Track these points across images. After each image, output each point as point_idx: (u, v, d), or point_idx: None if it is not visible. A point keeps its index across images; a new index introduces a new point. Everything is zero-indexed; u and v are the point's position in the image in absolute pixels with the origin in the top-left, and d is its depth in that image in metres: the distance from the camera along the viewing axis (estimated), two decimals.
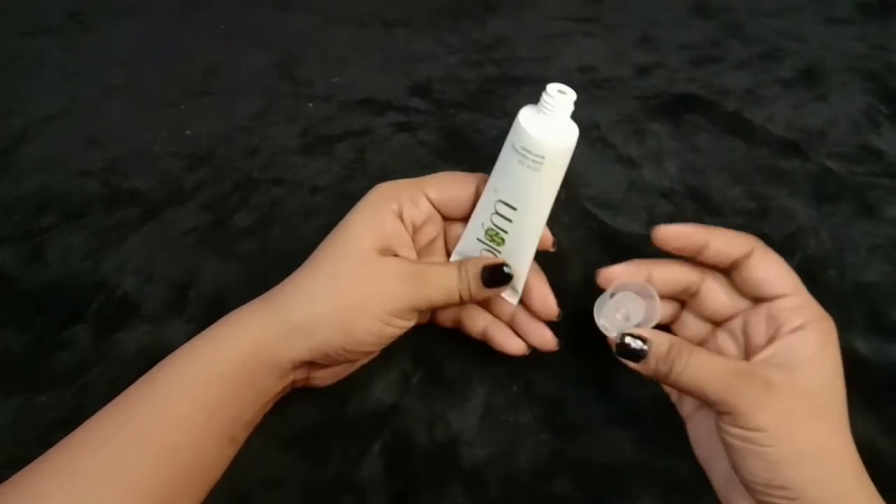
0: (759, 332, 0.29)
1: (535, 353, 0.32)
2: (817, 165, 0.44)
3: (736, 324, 0.30)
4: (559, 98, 0.27)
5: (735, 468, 0.26)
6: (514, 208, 0.29)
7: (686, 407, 0.31)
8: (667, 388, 0.32)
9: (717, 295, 0.30)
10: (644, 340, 0.27)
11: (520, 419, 0.33)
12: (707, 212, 0.42)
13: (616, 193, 0.43)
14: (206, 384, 0.27)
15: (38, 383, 0.34)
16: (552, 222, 0.30)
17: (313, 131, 0.50)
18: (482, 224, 0.31)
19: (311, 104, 0.52)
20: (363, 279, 0.29)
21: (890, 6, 0.61)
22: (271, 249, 0.41)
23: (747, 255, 0.29)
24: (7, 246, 0.42)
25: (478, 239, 0.31)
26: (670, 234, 0.30)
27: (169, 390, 0.27)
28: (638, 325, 0.29)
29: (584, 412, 0.33)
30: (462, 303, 0.30)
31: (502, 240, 0.30)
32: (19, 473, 0.25)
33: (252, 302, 0.30)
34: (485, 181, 0.31)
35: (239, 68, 0.56)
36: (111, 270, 0.40)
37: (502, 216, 0.30)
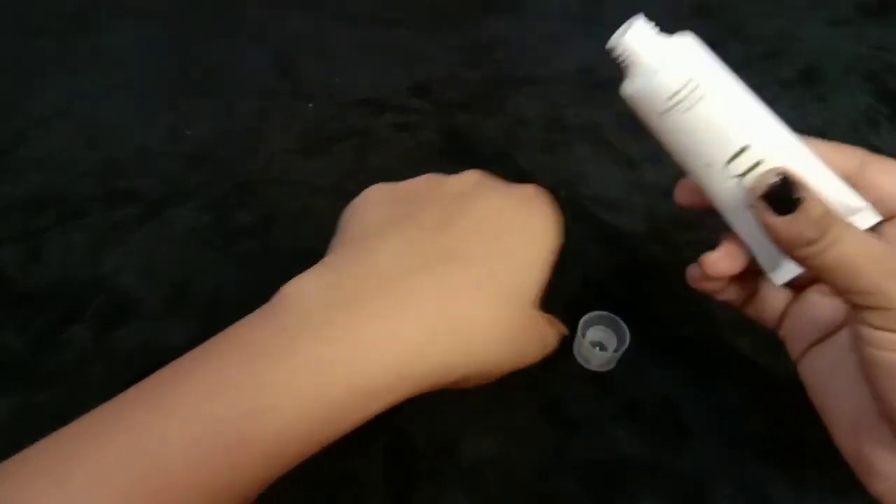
0: None
1: None
2: None
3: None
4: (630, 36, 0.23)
5: (877, 393, 0.21)
6: (745, 145, 0.23)
7: (797, 343, 0.27)
8: (783, 330, 0.28)
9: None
10: (801, 190, 0.22)
11: (520, 417, 0.33)
12: (707, 211, 0.42)
13: (617, 193, 0.43)
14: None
15: (36, 383, 0.34)
16: None
17: (313, 131, 0.50)
18: (744, 210, 0.24)
19: (310, 104, 0.52)
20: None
21: (889, 6, 0.61)
22: (271, 249, 0.41)
23: (859, 172, 0.24)
24: (6, 246, 0.42)
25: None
26: None
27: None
28: (615, 351, 0.32)
29: (585, 410, 0.33)
30: None
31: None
32: (6, 462, 0.23)
33: None
34: None
35: (239, 68, 0.56)
36: (110, 270, 0.40)
37: (749, 168, 0.23)
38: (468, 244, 0.27)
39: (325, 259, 0.28)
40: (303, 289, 0.25)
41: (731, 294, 0.29)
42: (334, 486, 0.31)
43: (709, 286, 0.28)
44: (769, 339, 0.33)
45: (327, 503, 0.30)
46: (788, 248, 0.22)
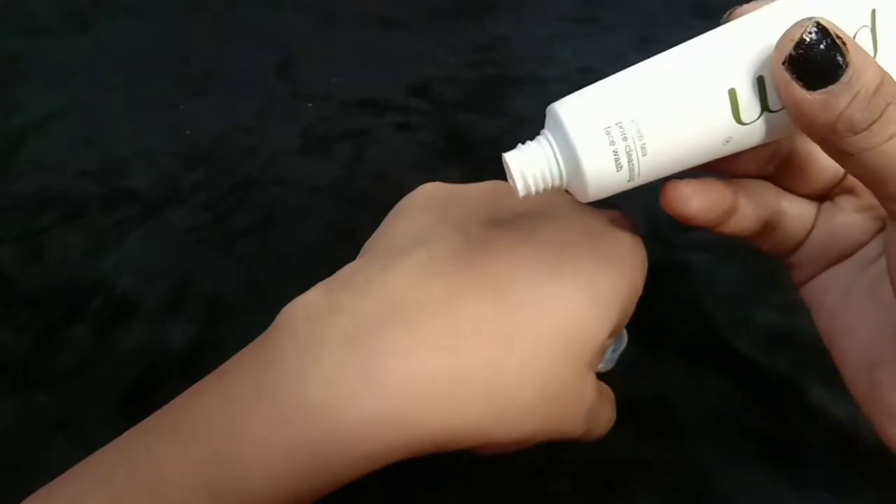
0: None
1: None
2: None
3: None
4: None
5: None
6: (731, 88, 0.18)
7: (810, 266, 0.24)
8: (796, 255, 0.24)
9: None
10: (846, 49, 0.15)
11: None
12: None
13: (615, 194, 0.43)
14: None
15: (36, 383, 0.34)
16: None
17: (313, 131, 0.50)
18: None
19: (310, 104, 0.52)
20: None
21: None
22: (270, 249, 0.41)
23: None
24: (6, 246, 0.42)
25: None
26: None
27: None
28: (613, 351, 0.31)
29: None
30: None
31: None
32: None
33: None
34: None
35: (238, 68, 0.56)
36: (110, 270, 0.40)
37: (761, 93, 0.18)
38: (512, 272, 0.22)
39: (340, 272, 0.23)
40: (299, 314, 0.21)
41: (739, 225, 0.24)
42: None
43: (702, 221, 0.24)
44: (768, 338, 0.33)
45: None
46: (824, 139, 0.16)
